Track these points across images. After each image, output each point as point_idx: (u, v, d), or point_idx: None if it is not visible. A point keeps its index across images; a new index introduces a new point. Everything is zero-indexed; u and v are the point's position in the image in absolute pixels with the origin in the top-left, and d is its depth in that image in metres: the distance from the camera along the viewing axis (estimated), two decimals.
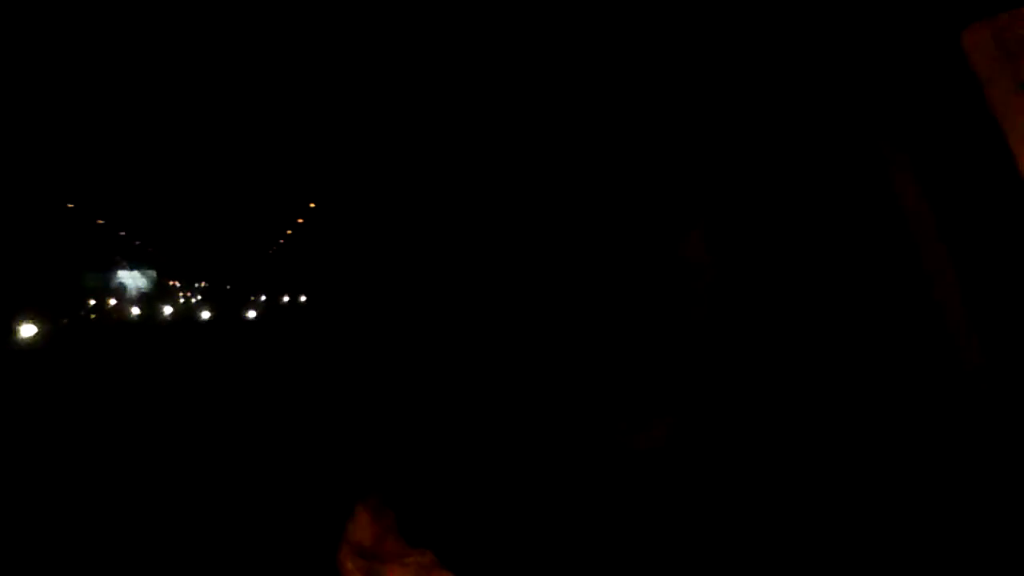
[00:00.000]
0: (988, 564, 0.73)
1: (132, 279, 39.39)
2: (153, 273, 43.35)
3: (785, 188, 0.98)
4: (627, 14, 1.07)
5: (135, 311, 31.52)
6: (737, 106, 0.99)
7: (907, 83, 0.95)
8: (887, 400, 0.85)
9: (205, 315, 29.87)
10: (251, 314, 29.05)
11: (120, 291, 35.84)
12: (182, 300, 43.36)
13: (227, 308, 29.78)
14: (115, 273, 37.29)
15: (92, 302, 29.23)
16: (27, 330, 16.91)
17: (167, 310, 33.18)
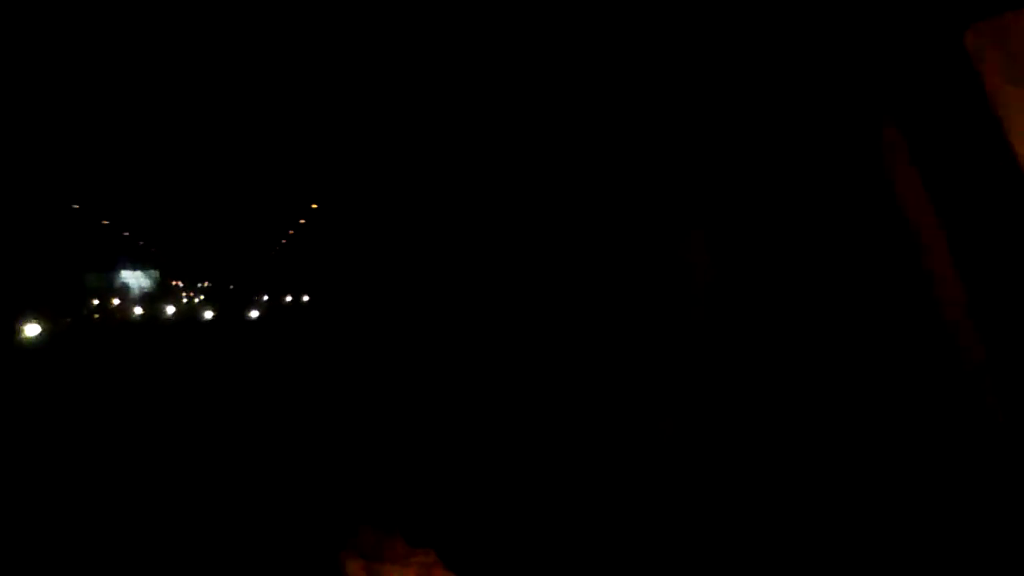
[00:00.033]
0: (989, 559, 0.72)
1: (135, 279, 39.48)
2: (156, 273, 43.42)
3: (787, 190, 0.98)
4: (627, 15, 1.07)
5: (138, 311, 31.58)
6: (739, 108, 0.99)
7: (911, 82, 0.95)
8: (887, 395, 0.84)
9: (208, 315, 29.91)
10: (254, 314, 29.08)
11: (123, 291, 35.92)
12: (185, 300, 43.43)
13: (230, 308, 29.81)
14: (118, 273, 37.38)
15: (95, 302, 29.30)
16: (31, 329, 16.98)
17: (170, 310, 33.23)
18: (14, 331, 16.18)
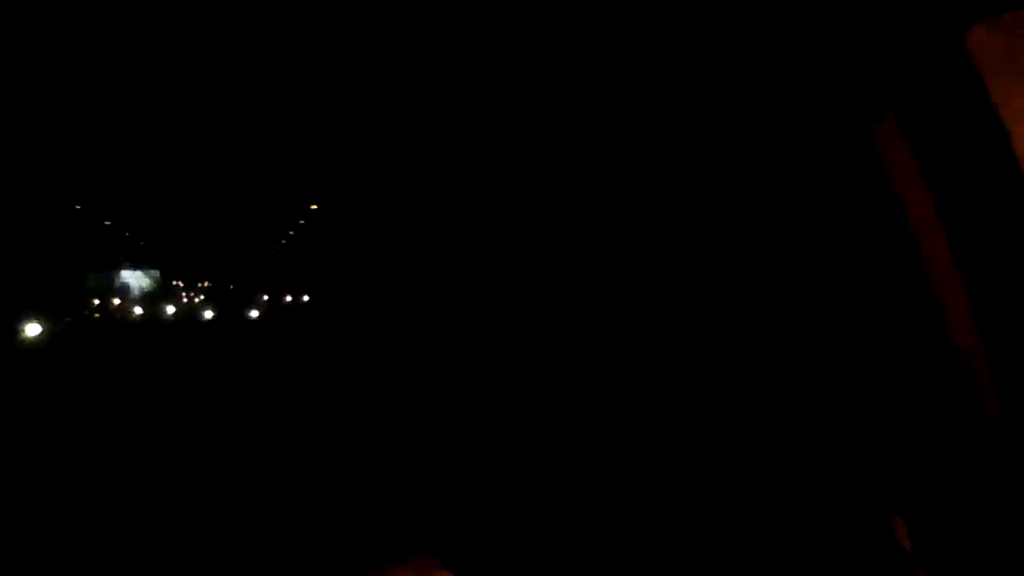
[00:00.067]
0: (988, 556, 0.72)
1: (135, 279, 39.50)
2: (156, 273, 43.45)
3: (787, 190, 0.98)
4: (629, 17, 1.07)
5: (138, 311, 31.61)
6: (739, 110, 0.99)
7: (912, 81, 0.95)
8: (886, 393, 0.85)
9: (208, 315, 29.92)
10: (254, 313, 29.08)
11: (123, 291, 35.94)
12: (185, 300, 43.46)
13: (230, 308, 29.80)
14: (118, 273, 37.39)
15: (96, 302, 29.35)
16: (32, 329, 17.03)
17: (170, 310, 33.25)
18: (15, 331, 16.22)
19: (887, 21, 0.90)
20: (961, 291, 0.90)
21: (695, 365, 0.85)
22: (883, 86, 0.94)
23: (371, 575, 0.93)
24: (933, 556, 0.75)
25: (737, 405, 0.82)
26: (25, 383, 9.58)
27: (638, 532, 0.78)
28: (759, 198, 0.93)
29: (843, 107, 0.96)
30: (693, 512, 0.75)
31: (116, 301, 32.46)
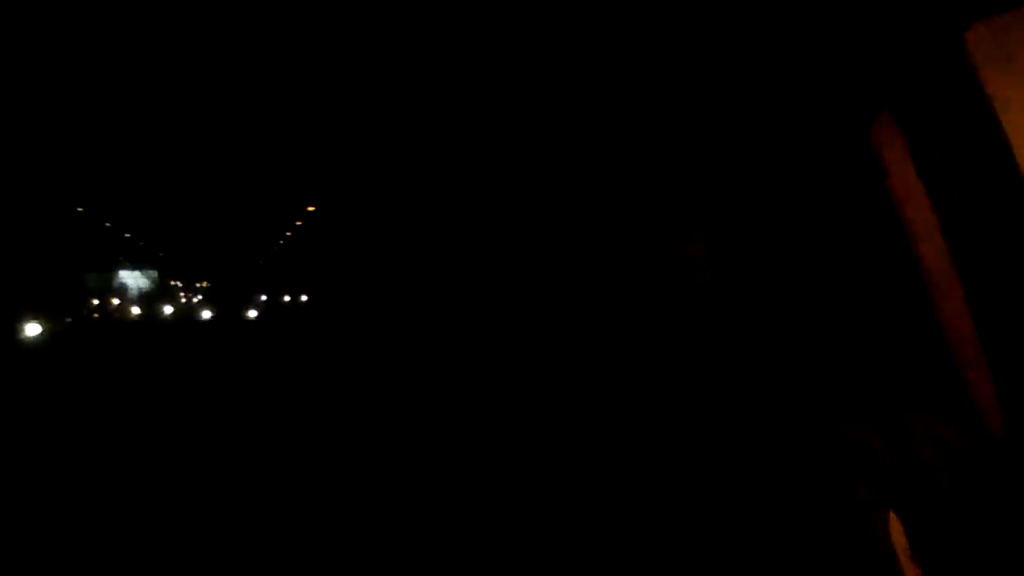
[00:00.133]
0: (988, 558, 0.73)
1: (134, 279, 39.50)
2: (155, 273, 43.44)
3: (787, 190, 0.98)
4: (631, 19, 1.07)
5: (136, 311, 31.60)
6: (739, 111, 0.99)
7: (911, 82, 0.95)
8: (885, 392, 0.85)
9: (206, 315, 29.89)
10: (252, 313, 29.06)
11: (122, 291, 35.93)
12: (183, 300, 43.44)
13: (228, 308, 29.78)
14: (117, 273, 37.39)
15: (95, 302, 29.37)
16: (32, 329, 17.09)
17: (168, 310, 33.22)
18: (15, 330, 16.26)
19: (886, 21, 0.90)
20: (959, 292, 0.91)
21: (695, 362, 0.85)
22: (881, 86, 0.94)
23: None
24: (929, 555, 0.76)
25: (735, 402, 0.83)
26: (25, 382, 9.57)
27: (638, 530, 0.78)
28: (756, 198, 0.93)
29: (841, 107, 0.96)
30: (690, 508, 0.75)
31: (115, 301, 32.46)
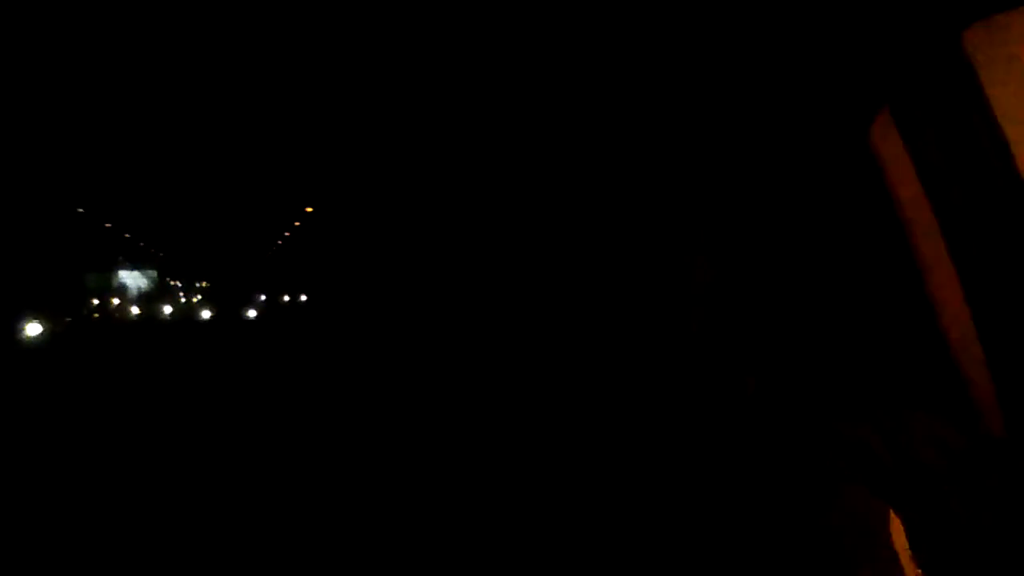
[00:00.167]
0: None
1: (133, 279, 39.51)
2: (154, 273, 43.45)
3: (787, 191, 0.98)
4: (633, 24, 1.07)
5: (135, 311, 31.60)
6: (738, 111, 0.99)
7: (910, 82, 0.95)
8: (884, 393, 0.85)
9: (206, 314, 29.88)
10: (251, 313, 29.06)
11: (122, 291, 35.94)
12: (183, 300, 43.44)
13: (227, 307, 29.78)
14: (116, 273, 37.40)
15: (95, 302, 29.39)
16: (33, 329, 17.15)
17: (167, 309, 33.22)
18: (16, 330, 16.31)
19: (884, 21, 0.90)
20: (958, 291, 0.90)
21: (695, 361, 0.85)
22: (880, 86, 0.94)
23: None
24: (930, 556, 0.76)
25: (735, 402, 0.83)
26: (26, 381, 9.57)
27: (636, 530, 0.78)
28: (756, 198, 0.93)
29: (840, 106, 0.96)
30: (690, 507, 0.75)
31: (115, 301, 32.47)
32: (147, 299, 35.20)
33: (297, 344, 14.82)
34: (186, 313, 32.85)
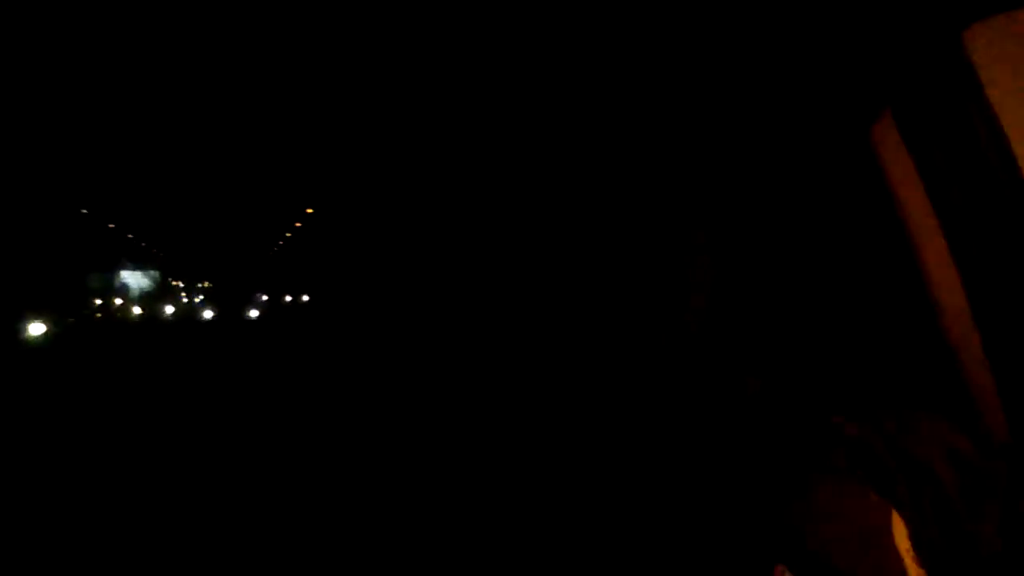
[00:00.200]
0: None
1: (135, 279, 39.59)
2: (156, 273, 43.54)
3: (787, 192, 0.98)
4: (633, 19, 1.07)
5: (137, 311, 31.66)
6: (740, 110, 0.99)
7: (910, 83, 0.95)
8: (883, 394, 0.85)
9: (208, 314, 29.92)
10: (253, 313, 29.09)
11: (124, 291, 36.02)
12: (185, 300, 43.51)
13: (229, 308, 29.82)
14: (119, 274, 37.49)
15: (98, 302, 29.48)
16: (36, 328, 17.24)
17: (169, 309, 33.27)
18: (19, 330, 16.39)
19: (885, 21, 0.90)
20: (960, 292, 0.90)
21: (695, 361, 0.85)
22: (881, 87, 0.94)
23: None
24: (932, 557, 0.76)
25: (735, 402, 0.83)
26: (29, 381, 9.59)
27: (635, 530, 0.78)
28: (757, 198, 0.93)
29: (840, 107, 0.96)
30: (689, 507, 0.75)
31: (118, 301, 32.55)
32: (149, 299, 35.26)
33: (298, 344, 14.82)
34: (188, 313, 32.90)
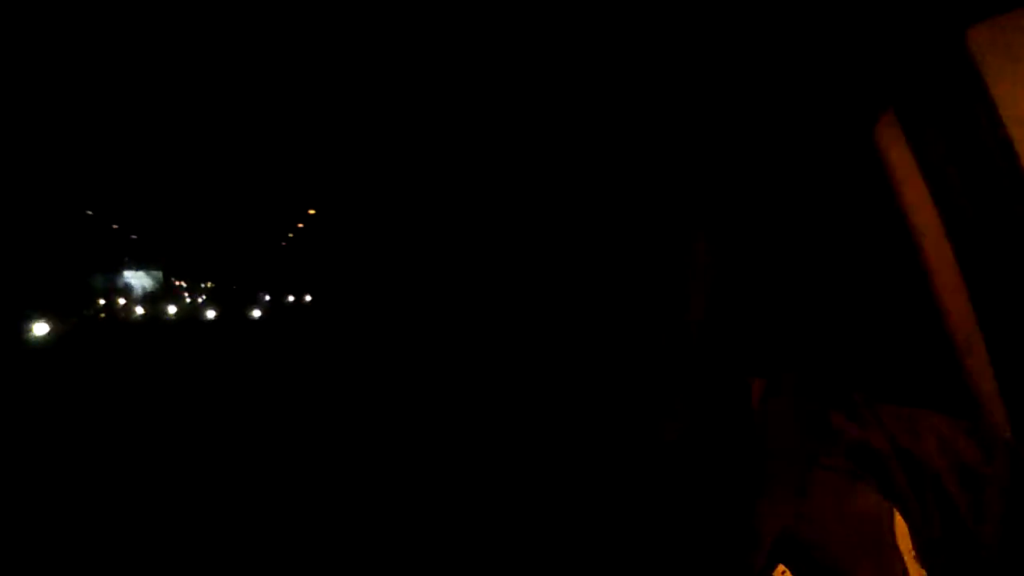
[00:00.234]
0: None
1: (138, 279, 39.73)
2: (159, 274, 43.70)
3: (790, 193, 0.98)
4: (630, 16, 1.07)
5: (140, 311, 31.76)
6: (742, 110, 0.99)
7: (912, 83, 0.95)
8: (888, 392, 0.85)
9: (211, 314, 29.99)
10: (256, 313, 29.16)
11: (127, 291, 36.16)
12: (188, 300, 43.61)
13: (232, 308, 29.88)
14: (122, 274, 37.64)
15: (102, 302, 29.61)
16: (40, 328, 17.31)
17: (172, 309, 33.34)
18: (23, 330, 16.47)
19: (888, 21, 0.90)
20: (963, 292, 0.90)
21: (695, 362, 0.85)
22: (884, 86, 0.94)
23: None
24: (934, 558, 0.75)
25: (736, 401, 0.83)
26: (33, 380, 9.63)
27: (633, 531, 0.78)
28: (759, 198, 0.93)
29: (843, 106, 0.96)
30: (689, 507, 0.75)
31: (121, 301, 32.66)
32: (152, 299, 35.34)
33: (300, 344, 14.85)
34: (191, 313, 32.97)
